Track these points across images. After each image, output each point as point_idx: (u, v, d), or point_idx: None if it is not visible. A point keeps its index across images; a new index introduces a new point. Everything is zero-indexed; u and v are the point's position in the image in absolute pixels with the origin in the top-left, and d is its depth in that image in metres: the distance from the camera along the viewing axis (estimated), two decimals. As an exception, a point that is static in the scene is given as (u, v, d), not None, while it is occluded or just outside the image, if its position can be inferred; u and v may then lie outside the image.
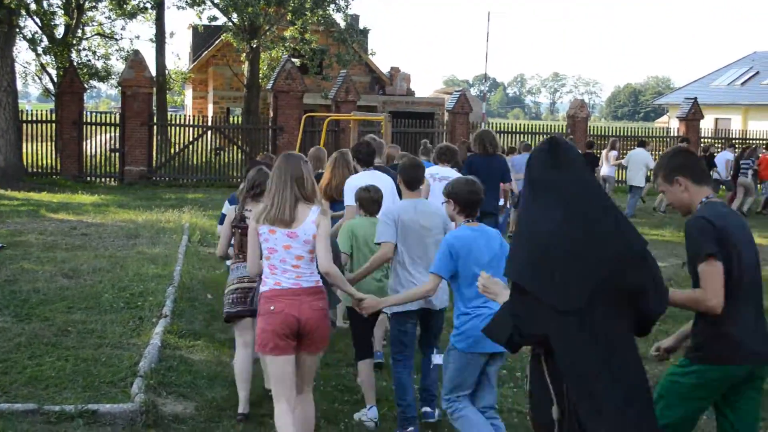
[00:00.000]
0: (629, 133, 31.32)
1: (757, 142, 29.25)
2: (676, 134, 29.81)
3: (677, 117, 30.57)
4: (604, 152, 22.19)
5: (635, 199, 21.20)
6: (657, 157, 25.89)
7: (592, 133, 29.30)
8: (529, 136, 29.09)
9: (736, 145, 25.80)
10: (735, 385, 4.45)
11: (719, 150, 25.32)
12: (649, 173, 21.41)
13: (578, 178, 3.62)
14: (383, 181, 7.73)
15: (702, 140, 28.81)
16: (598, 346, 3.53)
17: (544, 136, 27.69)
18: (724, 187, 23.21)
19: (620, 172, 24.06)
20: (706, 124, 32.30)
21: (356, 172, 8.36)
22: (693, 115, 29.38)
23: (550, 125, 32.51)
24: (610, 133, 30.54)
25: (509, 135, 28.89)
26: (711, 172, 22.27)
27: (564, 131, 29.08)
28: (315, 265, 5.31)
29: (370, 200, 6.84)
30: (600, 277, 3.52)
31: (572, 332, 3.53)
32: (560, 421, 3.61)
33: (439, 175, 11.17)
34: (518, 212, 4.39)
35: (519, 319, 3.60)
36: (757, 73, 45.03)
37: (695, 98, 30.24)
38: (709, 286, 4.28)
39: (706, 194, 4.52)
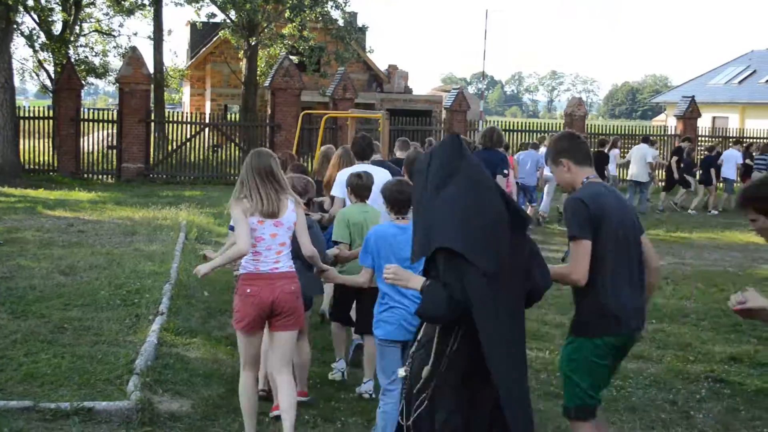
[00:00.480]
0: (627, 132, 31.32)
1: (757, 140, 29.28)
2: (673, 132, 29.82)
3: (675, 115, 30.57)
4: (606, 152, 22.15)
5: (645, 194, 21.30)
6: (661, 154, 25.96)
7: (589, 131, 29.30)
8: (527, 134, 29.10)
9: (743, 142, 25.77)
10: (618, 351, 4.93)
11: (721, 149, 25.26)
12: (650, 169, 21.59)
13: (476, 166, 4.20)
14: (377, 173, 7.74)
15: (699, 138, 28.80)
16: (507, 310, 4.01)
17: (542, 134, 27.88)
18: (722, 185, 23.16)
19: (621, 171, 24.01)
20: (704, 123, 32.28)
21: None
22: (690, 114, 29.39)
23: (548, 123, 32.52)
24: (608, 132, 30.54)
25: (506, 133, 28.82)
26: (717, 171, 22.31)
27: (561, 129, 29.05)
28: (289, 251, 5.81)
29: (361, 186, 6.99)
30: (507, 249, 4.02)
31: (490, 295, 3.96)
32: (427, 379, 4.08)
33: None
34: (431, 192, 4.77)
35: (451, 287, 3.92)
36: (755, 71, 45.06)
37: (693, 97, 30.25)
38: (574, 262, 4.75)
39: (587, 174, 4.96)
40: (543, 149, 18.61)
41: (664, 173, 23.28)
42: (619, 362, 5.11)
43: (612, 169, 21.10)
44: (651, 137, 24.80)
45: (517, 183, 16.46)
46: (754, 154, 23.50)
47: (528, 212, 16.46)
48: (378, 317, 5.67)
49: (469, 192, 4.09)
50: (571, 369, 4.91)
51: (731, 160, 22.58)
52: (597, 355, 4.84)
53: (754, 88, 43.11)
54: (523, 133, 29.03)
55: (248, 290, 5.69)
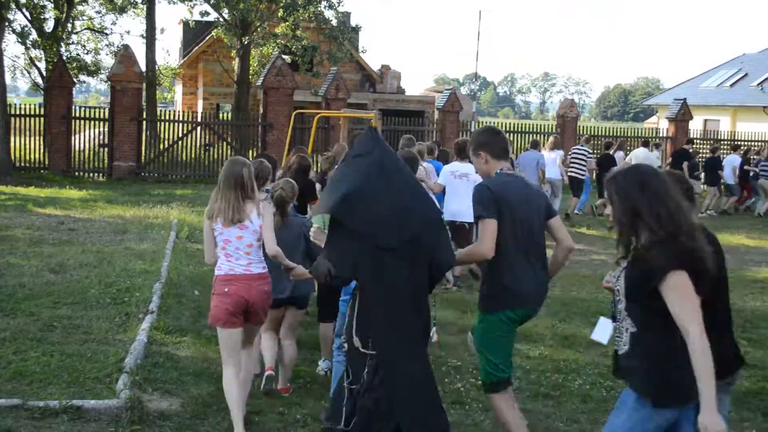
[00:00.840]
0: (619, 134, 31.37)
1: (749, 143, 29.38)
2: (665, 134, 29.88)
3: (666, 118, 30.65)
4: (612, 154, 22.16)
5: None
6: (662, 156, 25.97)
7: (581, 132, 29.33)
8: (519, 135, 29.14)
9: (741, 146, 25.87)
10: (517, 324, 5.48)
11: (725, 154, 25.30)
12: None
13: (390, 157, 4.83)
14: None
15: (691, 140, 28.80)
16: (407, 284, 4.67)
17: (534, 135, 27.93)
18: (724, 188, 23.23)
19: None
20: (695, 125, 32.38)
21: None
22: (682, 116, 29.47)
23: (540, 124, 32.53)
24: (600, 133, 30.59)
25: (499, 134, 28.86)
26: (718, 174, 22.38)
27: (554, 130, 29.13)
28: (262, 252, 6.18)
29: None
30: (411, 231, 4.64)
31: (387, 269, 4.62)
32: (357, 349, 4.74)
33: (459, 172, 11.26)
34: (337, 170, 5.34)
35: (332, 263, 4.74)
36: (746, 75, 45.16)
37: (684, 99, 30.33)
38: (481, 238, 5.30)
39: (501, 167, 5.56)
40: (552, 152, 18.64)
41: None
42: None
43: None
44: (655, 141, 24.92)
45: None
46: (751, 159, 23.65)
47: None
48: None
49: (372, 170, 4.71)
50: (485, 346, 5.43)
51: (732, 165, 22.65)
52: (503, 330, 5.40)
53: (745, 91, 43.20)
54: (516, 134, 29.06)
55: (226, 289, 6.06)
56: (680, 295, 3.84)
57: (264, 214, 6.12)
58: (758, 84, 42.89)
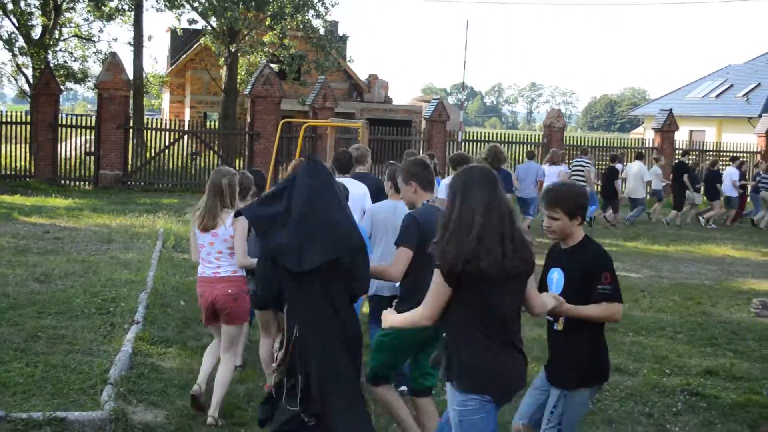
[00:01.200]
0: (606, 144, 31.44)
1: (734, 154, 29.50)
2: (651, 145, 29.98)
3: (652, 128, 30.74)
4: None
5: (639, 209, 21.63)
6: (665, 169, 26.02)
7: (568, 143, 29.41)
8: (506, 145, 29.18)
9: (740, 158, 26.00)
10: (424, 342, 5.73)
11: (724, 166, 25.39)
12: (647, 187, 22.26)
13: (325, 183, 5.24)
14: (354, 187, 7.82)
15: (676, 151, 28.89)
16: (325, 303, 5.08)
17: (521, 145, 28.03)
18: (723, 201, 23.28)
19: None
20: (681, 136, 32.47)
21: None
22: (668, 127, 29.58)
23: (527, 134, 32.59)
24: (587, 144, 30.66)
25: (486, 144, 28.88)
26: (717, 187, 22.46)
27: (540, 141, 29.20)
28: (231, 258, 6.61)
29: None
30: (333, 253, 5.04)
31: (304, 290, 5.09)
32: (283, 360, 5.22)
33: None
34: (264, 195, 5.78)
35: (259, 283, 5.58)
36: (732, 86, 45.39)
37: (670, 110, 30.45)
38: (395, 262, 5.65)
39: (427, 198, 5.97)
40: (553, 166, 18.76)
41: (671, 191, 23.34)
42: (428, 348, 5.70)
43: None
44: (655, 156, 25.05)
45: (517, 197, 16.93)
46: (745, 172, 23.82)
47: (526, 224, 16.89)
48: None
49: (304, 195, 5.15)
50: (376, 349, 5.91)
51: (731, 178, 22.72)
52: (401, 343, 5.79)
53: (730, 102, 43.42)
54: (503, 145, 29.08)
55: (198, 291, 6.75)
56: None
57: (236, 226, 6.52)
58: (743, 95, 43.13)
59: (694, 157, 27.55)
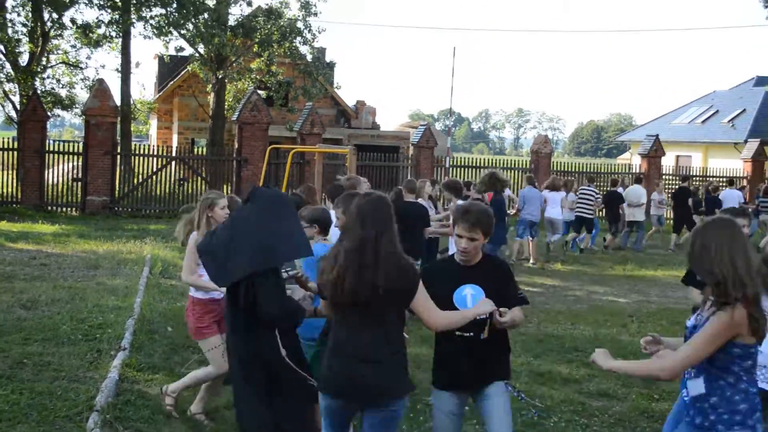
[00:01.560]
0: (591, 170, 31.60)
1: (718, 179, 29.69)
2: (638, 170, 30.14)
3: (639, 154, 30.93)
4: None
5: (641, 234, 21.91)
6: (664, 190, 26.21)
7: (555, 168, 29.54)
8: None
9: (735, 181, 26.22)
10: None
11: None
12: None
13: (259, 211, 5.35)
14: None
15: (662, 176, 29.08)
16: (237, 319, 5.35)
17: (508, 171, 28.12)
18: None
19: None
20: (667, 161, 32.70)
21: None
22: (655, 152, 29.77)
23: (514, 160, 32.73)
24: (573, 169, 30.82)
25: (473, 170, 29.04)
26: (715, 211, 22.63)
27: (528, 166, 29.32)
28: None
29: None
30: (235, 275, 5.24)
31: (228, 307, 5.46)
32: None
33: None
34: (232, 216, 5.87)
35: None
36: (717, 111, 45.75)
37: (657, 135, 30.66)
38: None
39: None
40: (553, 192, 19.07)
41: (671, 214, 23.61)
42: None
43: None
44: (642, 177, 25.27)
45: (525, 219, 17.68)
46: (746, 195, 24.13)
47: (532, 247, 17.95)
48: None
49: (229, 223, 5.53)
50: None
51: (731, 200, 22.87)
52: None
53: (716, 127, 43.75)
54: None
55: (205, 308, 7.12)
56: None
57: (189, 243, 7.04)
58: (729, 121, 43.47)
59: (696, 182, 27.87)
